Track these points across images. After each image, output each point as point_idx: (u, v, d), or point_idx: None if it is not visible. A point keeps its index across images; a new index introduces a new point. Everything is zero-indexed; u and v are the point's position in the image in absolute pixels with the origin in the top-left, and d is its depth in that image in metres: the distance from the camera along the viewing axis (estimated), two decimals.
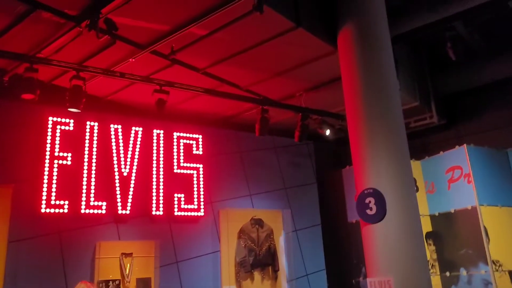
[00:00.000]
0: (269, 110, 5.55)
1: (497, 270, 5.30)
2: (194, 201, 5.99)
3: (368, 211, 3.98)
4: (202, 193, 6.08)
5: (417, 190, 6.23)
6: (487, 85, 6.86)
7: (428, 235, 6.08)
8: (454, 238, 5.83)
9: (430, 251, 6.00)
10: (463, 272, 5.61)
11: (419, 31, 5.12)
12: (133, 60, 4.52)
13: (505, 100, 6.91)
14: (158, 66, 4.92)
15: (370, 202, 3.98)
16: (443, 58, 6.78)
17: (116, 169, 5.45)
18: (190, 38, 4.34)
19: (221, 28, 4.12)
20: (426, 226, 6.11)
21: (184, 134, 6.14)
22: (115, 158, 5.47)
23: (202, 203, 6.06)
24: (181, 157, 6.03)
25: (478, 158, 5.81)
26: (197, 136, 6.25)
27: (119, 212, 5.34)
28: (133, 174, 5.56)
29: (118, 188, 5.40)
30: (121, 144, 5.53)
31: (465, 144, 5.82)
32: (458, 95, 7.23)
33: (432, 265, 5.94)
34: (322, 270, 6.79)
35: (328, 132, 6.13)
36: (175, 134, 6.05)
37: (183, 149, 6.09)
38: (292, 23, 4.29)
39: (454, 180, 5.94)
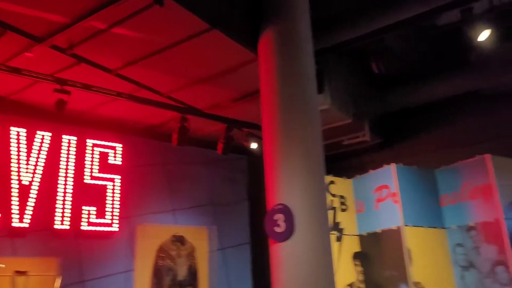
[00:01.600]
0: (189, 119, 5.22)
1: None
2: (106, 215, 5.51)
3: (277, 229, 3.68)
4: (117, 206, 5.62)
5: (346, 209, 6.06)
6: (423, 106, 6.84)
7: (356, 255, 5.87)
8: (380, 258, 5.66)
9: (357, 272, 5.78)
10: None
11: (347, 44, 4.97)
12: (30, 54, 4.07)
13: (439, 122, 6.92)
14: (63, 64, 4.49)
15: (279, 219, 3.68)
16: (381, 76, 6.73)
17: (15, 177, 4.92)
18: (92, 33, 3.96)
19: (121, 22, 3.77)
20: (355, 246, 5.92)
21: (100, 142, 5.69)
22: (14, 165, 4.94)
23: (116, 218, 5.58)
24: (95, 167, 5.56)
25: (405, 178, 5.69)
26: (115, 144, 5.81)
27: (15, 224, 4.79)
28: (35, 183, 5.03)
29: (15, 198, 4.86)
30: (22, 150, 5.00)
31: (393, 164, 5.70)
32: (395, 114, 7.18)
33: (359, 287, 5.71)
34: None
35: (254, 145, 5.86)
36: (90, 142, 5.58)
37: (98, 158, 5.62)
38: (205, 23, 4.00)
39: (382, 199, 5.79)
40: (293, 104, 4.07)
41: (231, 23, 4.30)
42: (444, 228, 5.77)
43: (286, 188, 3.82)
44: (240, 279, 6.42)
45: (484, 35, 4.48)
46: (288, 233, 3.62)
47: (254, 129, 5.91)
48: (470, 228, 5.49)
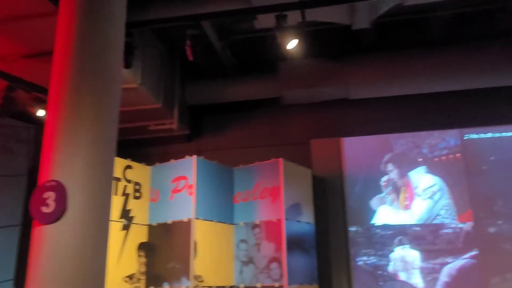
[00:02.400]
0: None
1: (197, 286, 5.12)
2: None
3: (44, 209, 3.13)
4: None
5: (140, 197, 5.73)
6: (230, 104, 7.00)
7: (142, 246, 5.58)
8: (167, 250, 5.49)
9: (139, 264, 5.49)
10: (166, 286, 5.27)
11: (160, 22, 4.69)
12: None
13: (243, 122, 7.19)
14: None
15: (49, 197, 3.14)
16: (197, 67, 6.63)
17: None
18: None
19: None
20: (142, 236, 5.63)
21: None
22: None
23: None
24: None
25: (204, 172, 5.66)
26: None
27: None
28: None
29: None
30: None
31: (194, 156, 5.62)
32: (204, 108, 7.19)
33: (139, 279, 5.43)
34: (8, 281, 5.52)
35: (42, 113, 5.07)
36: None
37: None
38: None
39: (178, 190, 5.65)
40: (88, 69, 3.55)
41: None
42: (232, 224, 5.95)
43: (64, 162, 3.29)
44: (2, 265, 5.48)
45: (292, 44, 4.72)
46: (56, 215, 3.10)
47: (46, 94, 5.11)
48: (255, 226, 5.77)
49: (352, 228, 6.41)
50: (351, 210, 6.48)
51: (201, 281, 5.21)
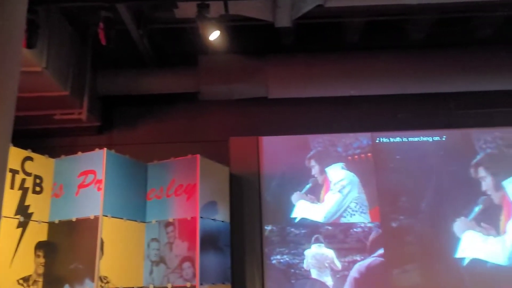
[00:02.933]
0: None
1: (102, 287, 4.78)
2: None
3: None
4: None
5: (41, 191, 5.23)
6: (148, 95, 6.69)
7: (40, 245, 5.09)
8: (69, 250, 5.06)
9: (37, 265, 5.00)
10: None
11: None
12: None
13: (158, 116, 6.91)
14: None
15: None
16: (112, 56, 6.25)
17: None
18: None
19: None
20: (42, 234, 5.14)
21: None
22: None
23: None
24: None
25: (115, 166, 5.31)
26: None
27: None
28: None
29: None
30: None
31: (105, 148, 5.26)
32: (118, 99, 6.79)
33: (35, 281, 4.94)
34: None
35: None
36: None
37: None
38: None
39: (85, 185, 5.24)
40: None
41: None
42: (144, 222, 5.65)
43: None
44: None
45: (214, 36, 4.59)
46: None
47: None
48: (168, 224, 5.53)
49: (268, 227, 6.41)
50: (267, 209, 6.48)
51: (107, 282, 4.87)
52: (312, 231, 6.35)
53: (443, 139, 6.74)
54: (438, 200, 6.42)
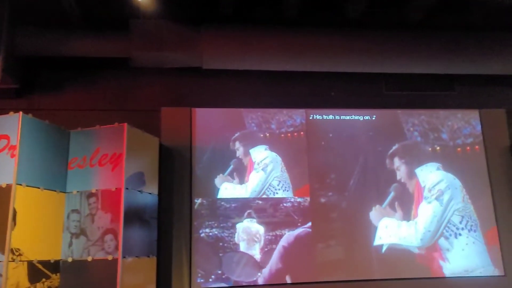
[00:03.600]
0: None
1: (13, 260, 4.47)
2: None
3: None
4: None
5: None
6: (74, 58, 6.25)
7: None
8: None
9: None
10: None
11: None
12: None
13: (84, 81, 6.52)
14: None
15: None
16: (33, 12, 5.75)
17: None
18: None
19: None
20: None
21: None
22: None
23: None
24: None
25: (32, 132, 4.94)
26: None
27: None
28: None
29: None
30: None
31: (21, 112, 4.86)
32: (41, 60, 6.30)
33: None
34: None
35: None
36: None
37: None
38: None
39: None
40: None
41: None
42: (64, 192, 5.35)
43: None
44: None
45: None
46: None
47: None
48: (91, 195, 5.28)
49: (198, 200, 6.31)
50: (197, 182, 6.37)
51: (19, 255, 4.56)
52: (242, 205, 6.34)
53: (373, 118, 6.92)
54: (362, 181, 6.63)
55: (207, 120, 6.59)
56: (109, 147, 5.36)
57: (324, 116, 6.87)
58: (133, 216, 5.32)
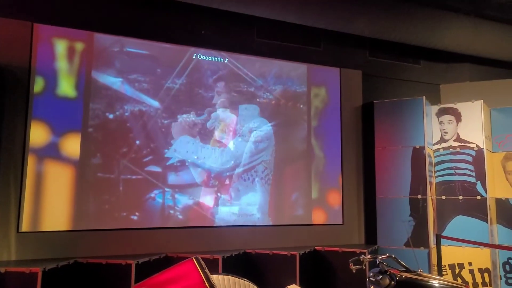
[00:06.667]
0: None
1: None
2: None
3: None
4: None
5: None
6: None
7: None
8: None
9: None
10: None
11: None
12: None
13: None
14: None
15: None
16: None
17: None
18: None
19: None
20: None
21: None
22: None
23: None
24: None
25: None
26: None
27: None
28: None
29: None
30: None
31: None
32: None
33: None
34: None
35: None
36: None
37: None
38: None
39: None
40: None
41: None
42: None
43: None
44: None
45: None
46: None
47: None
48: None
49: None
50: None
51: None
52: None
53: (226, 61, 6.60)
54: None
55: (51, 39, 5.60)
56: None
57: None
58: None
